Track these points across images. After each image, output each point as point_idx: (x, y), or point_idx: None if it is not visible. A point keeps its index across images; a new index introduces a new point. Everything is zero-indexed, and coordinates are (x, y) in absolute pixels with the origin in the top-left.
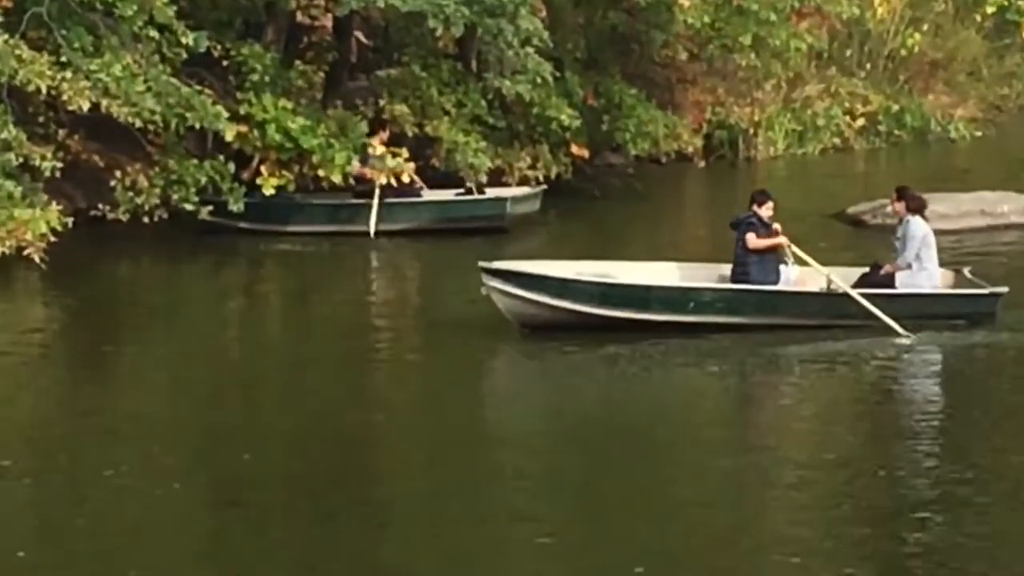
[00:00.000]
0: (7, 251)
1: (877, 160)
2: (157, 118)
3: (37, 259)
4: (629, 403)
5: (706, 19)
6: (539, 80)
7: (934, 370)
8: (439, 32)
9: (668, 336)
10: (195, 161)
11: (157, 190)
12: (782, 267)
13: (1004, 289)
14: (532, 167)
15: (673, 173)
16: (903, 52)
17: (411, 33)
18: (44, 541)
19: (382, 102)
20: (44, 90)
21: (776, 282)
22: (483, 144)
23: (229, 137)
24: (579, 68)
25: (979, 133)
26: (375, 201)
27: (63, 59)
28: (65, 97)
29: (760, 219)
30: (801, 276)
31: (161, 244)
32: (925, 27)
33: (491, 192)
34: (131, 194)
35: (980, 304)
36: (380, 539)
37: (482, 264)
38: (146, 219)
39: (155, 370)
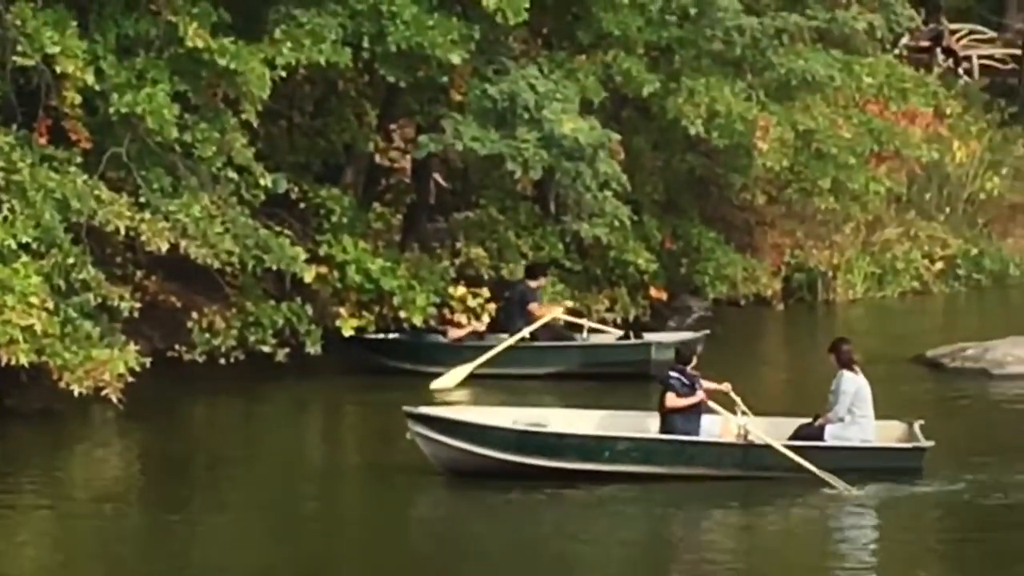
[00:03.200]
0: (85, 391)
1: (956, 304)
2: (235, 259)
3: (115, 399)
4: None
5: (785, 163)
6: (617, 223)
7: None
8: (517, 175)
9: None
10: (272, 303)
11: (234, 331)
12: (704, 418)
13: (928, 444)
14: (610, 309)
15: (752, 316)
16: (982, 195)
17: (489, 175)
18: None
19: (459, 245)
20: (123, 231)
21: (697, 432)
22: (560, 287)
23: (308, 279)
24: (657, 211)
25: None
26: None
27: (142, 200)
28: (144, 238)
29: (683, 376)
30: (727, 426)
31: (238, 385)
32: (1004, 170)
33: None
34: (208, 335)
35: (905, 458)
36: None
37: (406, 409)
38: (223, 360)
39: (230, 515)
